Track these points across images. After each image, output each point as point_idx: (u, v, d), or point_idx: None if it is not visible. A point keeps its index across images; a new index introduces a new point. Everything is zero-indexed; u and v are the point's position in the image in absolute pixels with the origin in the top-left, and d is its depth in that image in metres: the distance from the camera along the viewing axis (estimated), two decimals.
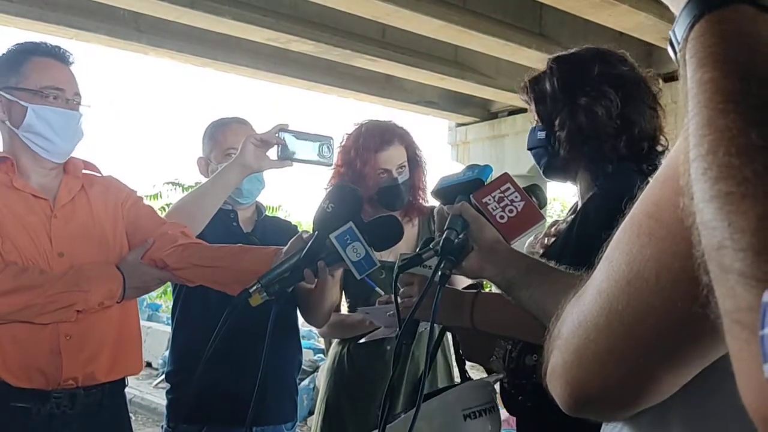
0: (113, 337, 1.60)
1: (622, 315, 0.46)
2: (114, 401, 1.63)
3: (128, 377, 1.71)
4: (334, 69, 5.99)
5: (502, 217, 1.07)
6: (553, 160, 1.30)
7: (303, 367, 2.21)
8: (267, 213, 2.19)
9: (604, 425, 0.64)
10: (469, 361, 1.32)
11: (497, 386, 1.27)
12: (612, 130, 1.23)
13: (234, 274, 1.55)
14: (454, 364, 1.64)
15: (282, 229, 2.13)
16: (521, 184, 1.12)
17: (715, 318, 0.34)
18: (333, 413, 2.02)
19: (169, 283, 1.97)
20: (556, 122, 1.26)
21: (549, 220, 1.49)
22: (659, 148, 1.28)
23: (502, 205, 1.07)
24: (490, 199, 1.08)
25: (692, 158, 0.36)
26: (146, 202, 1.84)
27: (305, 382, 5.81)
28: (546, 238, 1.39)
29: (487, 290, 1.24)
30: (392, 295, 1.84)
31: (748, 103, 0.35)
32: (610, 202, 1.16)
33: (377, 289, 1.85)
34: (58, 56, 1.59)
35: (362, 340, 1.91)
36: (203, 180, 2.00)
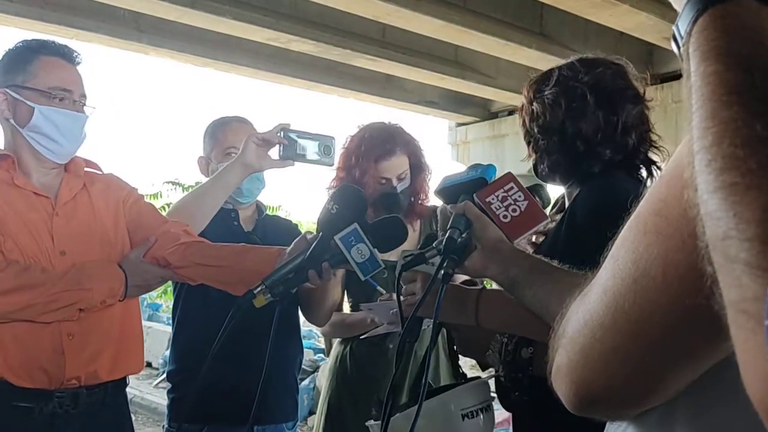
0: (115, 335, 1.60)
1: (628, 313, 0.46)
2: (116, 400, 1.63)
3: (129, 377, 1.71)
4: (335, 69, 5.99)
5: (505, 217, 1.07)
6: (542, 161, 1.34)
7: (303, 366, 2.21)
8: (267, 212, 2.19)
9: (608, 424, 0.64)
10: (465, 356, 1.32)
11: (492, 384, 1.28)
12: (600, 136, 1.26)
13: (237, 274, 1.55)
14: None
15: (283, 229, 2.14)
16: (522, 184, 1.12)
17: (720, 309, 0.34)
18: (335, 412, 2.02)
19: (169, 283, 1.97)
20: (545, 126, 1.32)
21: None
22: (642, 149, 1.30)
23: (505, 204, 1.08)
24: (493, 199, 1.08)
25: (696, 150, 0.36)
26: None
27: (306, 382, 5.81)
28: (534, 236, 1.40)
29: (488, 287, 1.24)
30: (394, 294, 1.85)
31: (751, 94, 0.35)
32: (597, 202, 1.17)
33: (379, 288, 1.85)
34: (66, 56, 1.58)
35: (364, 336, 1.92)
36: (204, 179, 2.00)
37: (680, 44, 0.43)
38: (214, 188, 1.80)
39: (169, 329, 2.26)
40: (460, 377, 1.39)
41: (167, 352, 2.50)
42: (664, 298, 0.44)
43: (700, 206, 0.35)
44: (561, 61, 1.36)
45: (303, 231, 2.13)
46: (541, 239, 1.36)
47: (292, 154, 1.70)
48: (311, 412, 5.56)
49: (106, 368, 1.57)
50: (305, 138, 1.70)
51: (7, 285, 1.43)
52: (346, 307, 2.14)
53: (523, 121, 1.34)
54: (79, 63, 1.60)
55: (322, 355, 6.49)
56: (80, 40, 4.79)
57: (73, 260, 1.53)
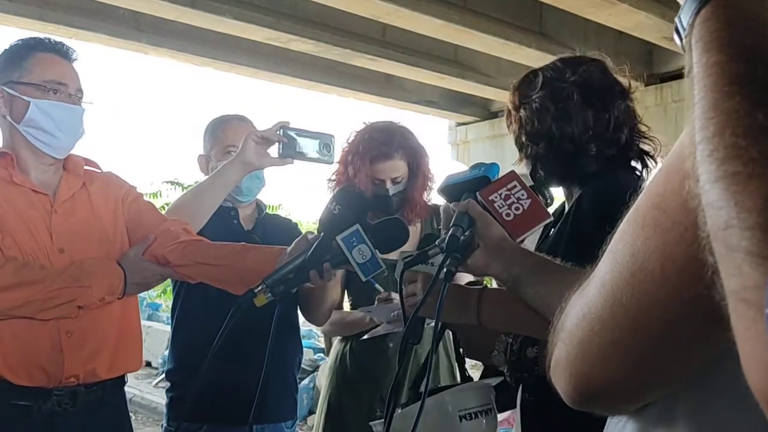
0: (114, 333, 1.60)
1: (626, 307, 0.46)
2: (114, 398, 1.63)
3: (128, 376, 1.71)
4: (335, 68, 5.98)
5: (508, 215, 1.07)
6: (536, 163, 1.35)
7: (303, 366, 2.22)
8: (267, 211, 2.19)
9: (608, 420, 0.64)
10: (470, 358, 1.32)
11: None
12: (590, 136, 1.27)
13: (237, 273, 1.55)
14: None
15: (283, 228, 2.14)
16: (525, 183, 1.12)
17: (720, 300, 0.34)
18: (335, 411, 2.02)
19: (169, 283, 1.97)
20: (536, 128, 1.32)
21: None
22: (635, 146, 1.31)
23: (508, 202, 1.07)
24: (496, 197, 1.08)
25: (698, 141, 0.36)
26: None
27: (305, 382, 5.81)
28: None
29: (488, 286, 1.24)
30: (392, 292, 1.85)
31: (754, 85, 0.35)
32: (601, 202, 1.17)
33: (377, 285, 1.85)
34: (61, 52, 1.59)
35: (365, 337, 1.92)
36: (203, 178, 2.00)
37: (683, 36, 0.42)
38: (213, 186, 1.80)
39: (169, 329, 2.25)
40: (466, 380, 1.38)
41: (167, 352, 2.50)
42: (662, 291, 0.44)
43: (702, 196, 0.35)
44: None
45: (303, 230, 2.13)
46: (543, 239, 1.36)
47: (291, 152, 1.70)
48: (311, 412, 5.56)
49: (105, 366, 1.57)
50: (304, 136, 1.70)
51: (5, 282, 1.43)
52: (347, 306, 2.14)
53: (513, 129, 1.36)
54: (75, 59, 1.61)
55: (322, 355, 6.49)
56: (80, 39, 4.79)
57: (72, 258, 1.53)
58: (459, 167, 7.54)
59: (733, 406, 0.46)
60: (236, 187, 1.94)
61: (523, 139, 1.32)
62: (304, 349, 2.29)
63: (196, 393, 1.64)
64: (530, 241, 1.12)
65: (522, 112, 1.31)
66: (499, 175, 1.13)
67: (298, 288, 1.42)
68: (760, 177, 0.32)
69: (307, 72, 5.98)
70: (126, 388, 1.72)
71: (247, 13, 4.72)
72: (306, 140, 1.69)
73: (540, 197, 1.10)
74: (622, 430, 0.59)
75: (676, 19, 0.43)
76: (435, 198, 2.15)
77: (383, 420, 1.23)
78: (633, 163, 1.31)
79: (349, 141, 2.02)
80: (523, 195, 1.08)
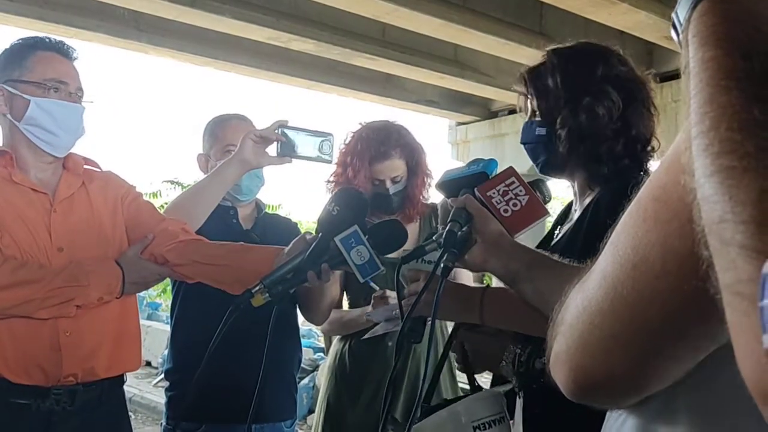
0: (113, 332, 1.60)
1: (626, 299, 0.46)
2: (113, 397, 1.63)
3: (127, 375, 1.71)
4: (335, 68, 5.98)
5: (506, 211, 1.06)
6: (551, 156, 1.29)
7: (303, 365, 2.21)
8: (266, 211, 2.18)
9: (608, 414, 0.63)
10: (478, 367, 1.31)
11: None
12: (611, 131, 1.22)
13: (235, 273, 1.55)
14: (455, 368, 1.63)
15: (282, 227, 2.13)
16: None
17: (715, 293, 0.33)
18: (334, 410, 2.02)
19: (168, 282, 1.97)
20: (558, 120, 1.25)
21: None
22: (650, 149, 1.27)
23: (506, 198, 1.07)
24: (494, 193, 1.08)
25: (694, 135, 0.35)
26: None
27: (305, 381, 5.81)
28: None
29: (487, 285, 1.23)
30: (387, 290, 1.85)
31: (750, 80, 0.35)
32: (616, 207, 1.15)
33: (372, 284, 1.86)
34: (62, 51, 1.59)
35: (365, 337, 1.92)
36: (202, 177, 2.00)
37: (679, 31, 0.42)
38: (211, 185, 1.80)
39: (168, 328, 2.25)
40: (476, 390, 1.37)
41: (166, 351, 2.49)
42: (663, 283, 0.43)
43: (697, 191, 0.35)
44: None
45: (302, 230, 2.13)
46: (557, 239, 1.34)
47: (290, 150, 1.70)
48: (311, 411, 5.55)
49: (103, 365, 1.57)
50: (303, 135, 1.69)
51: (4, 281, 1.43)
52: (345, 305, 2.14)
53: (530, 117, 1.30)
54: (75, 58, 1.61)
55: (321, 354, 6.49)
56: (80, 39, 4.78)
57: (71, 256, 1.53)
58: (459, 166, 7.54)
59: (733, 400, 0.46)
60: (236, 186, 1.94)
61: (558, 118, 1.24)
62: (304, 349, 2.29)
63: (194, 392, 1.64)
64: (526, 236, 1.11)
65: (539, 101, 1.26)
66: (498, 171, 1.12)
67: (297, 288, 1.42)
68: (755, 171, 0.32)
69: (307, 72, 5.97)
70: (125, 388, 1.72)
71: (247, 13, 4.71)
72: (305, 139, 1.69)
73: (538, 194, 1.10)
74: (623, 424, 0.59)
75: (673, 15, 0.43)
76: (434, 196, 2.15)
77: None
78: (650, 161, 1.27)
79: (346, 142, 2.02)
80: (521, 191, 1.07)
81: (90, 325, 1.54)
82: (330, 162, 1.77)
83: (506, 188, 1.08)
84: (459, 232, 1.02)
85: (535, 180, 1.16)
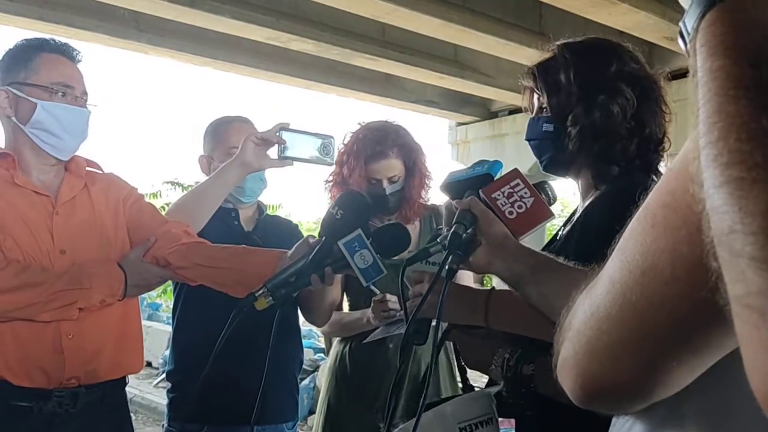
0: (115, 335, 1.60)
1: (635, 306, 0.46)
2: (115, 399, 1.63)
3: (128, 377, 1.71)
4: (334, 68, 5.98)
5: (511, 213, 1.06)
6: (558, 154, 1.27)
7: (304, 366, 2.21)
8: (267, 212, 2.19)
9: (614, 420, 0.63)
10: (470, 368, 1.31)
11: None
12: (625, 130, 1.20)
13: (237, 276, 1.55)
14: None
15: (283, 229, 2.14)
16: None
17: (724, 304, 0.33)
18: (334, 412, 2.02)
19: (169, 283, 1.97)
20: (570, 117, 1.23)
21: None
22: (662, 150, 1.25)
23: (511, 200, 1.06)
24: (499, 195, 1.07)
25: (702, 145, 0.35)
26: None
27: (306, 382, 5.81)
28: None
29: (488, 287, 1.23)
30: (387, 294, 1.85)
31: (759, 89, 0.34)
32: (616, 202, 1.15)
33: (372, 287, 1.86)
34: (67, 53, 1.59)
35: (366, 341, 1.92)
36: (204, 179, 2.00)
37: (687, 41, 0.42)
38: (213, 187, 1.80)
39: (169, 329, 2.26)
40: (467, 390, 1.37)
41: (167, 352, 2.50)
42: (672, 290, 0.43)
43: (706, 201, 0.35)
44: None
45: (303, 231, 2.13)
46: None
47: (291, 153, 1.70)
48: (311, 412, 5.55)
49: (106, 368, 1.57)
50: (304, 137, 1.69)
51: (7, 284, 1.43)
52: (346, 307, 2.14)
53: (536, 106, 1.28)
54: (79, 60, 1.61)
55: (322, 355, 6.49)
56: (80, 39, 4.78)
57: (73, 259, 1.53)
58: (459, 167, 7.54)
59: (740, 406, 0.46)
60: (239, 188, 1.94)
61: (569, 115, 1.22)
62: (305, 349, 2.29)
63: (198, 395, 1.64)
64: (531, 239, 1.11)
65: (552, 97, 1.24)
66: (502, 173, 1.12)
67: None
68: (764, 182, 0.31)
69: (307, 72, 5.97)
70: (126, 388, 1.72)
71: (247, 13, 4.71)
72: (305, 141, 1.69)
73: (543, 196, 1.09)
74: (629, 430, 0.59)
75: (681, 23, 0.43)
76: (433, 196, 2.16)
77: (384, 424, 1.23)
78: (660, 161, 1.26)
79: (345, 143, 2.02)
80: (526, 193, 1.07)
81: (92, 328, 1.54)
82: (331, 164, 1.77)
83: (511, 190, 1.07)
84: (464, 234, 1.01)
85: (540, 182, 1.15)
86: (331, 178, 2.06)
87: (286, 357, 1.97)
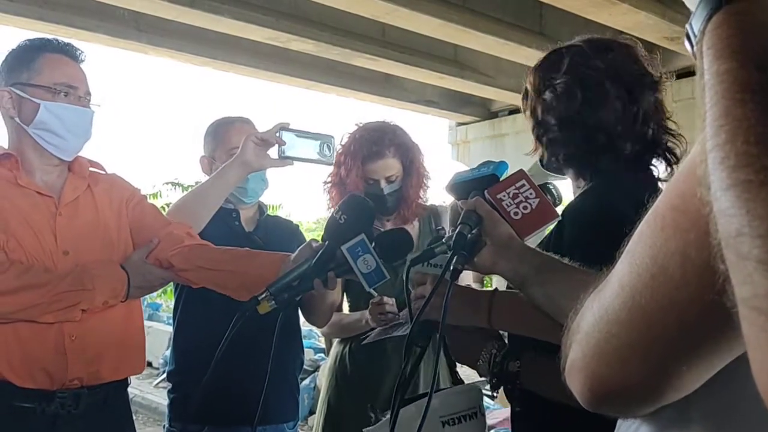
0: (117, 336, 1.59)
1: (645, 309, 0.46)
2: (117, 400, 1.63)
3: (130, 377, 1.71)
4: (334, 68, 5.98)
5: (516, 214, 1.06)
6: (551, 152, 1.28)
7: (304, 366, 2.21)
8: (268, 212, 2.19)
9: (619, 422, 0.63)
10: (457, 362, 1.32)
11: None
12: (614, 129, 1.19)
13: (240, 278, 1.55)
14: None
15: (284, 229, 2.14)
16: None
17: (732, 307, 0.34)
18: (334, 412, 2.02)
19: (170, 283, 1.97)
20: (557, 115, 1.23)
21: None
22: (656, 149, 1.23)
23: (516, 201, 1.06)
24: (504, 195, 1.07)
25: (710, 148, 0.35)
26: None
27: (306, 382, 5.81)
28: None
29: (487, 287, 1.23)
30: (384, 297, 1.85)
31: (765, 92, 0.35)
32: (590, 216, 1.14)
33: (370, 290, 1.85)
34: (70, 53, 1.59)
35: (365, 342, 1.92)
36: (205, 179, 2.00)
37: (693, 43, 0.42)
38: (214, 187, 1.80)
39: (170, 329, 2.26)
40: (458, 383, 1.38)
41: (167, 352, 2.50)
42: (682, 293, 0.43)
43: (713, 204, 0.35)
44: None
45: (303, 231, 2.13)
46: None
47: (291, 153, 1.70)
48: (312, 412, 5.55)
49: (108, 369, 1.57)
50: (304, 137, 1.69)
51: (9, 285, 1.43)
52: (345, 308, 2.14)
53: (533, 111, 1.27)
54: (82, 61, 1.61)
55: (322, 355, 6.49)
56: (80, 39, 4.77)
57: (76, 260, 1.53)
58: (459, 167, 7.54)
59: (748, 409, 0.46)
60: (241, 188, 1.94)
61: (552, 121, 1.23)
62: (305, 349, 2.29)
63: (201, 398, 1.64)
64: (534, 240, 1.11)
65: (547, 95, 1.23)
66: (508, 174, 1.12)
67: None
68: None
69: (307, 72, 5.97)
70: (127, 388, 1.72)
71: (247, 13, 4.71)
72: (306, 141, 1.69)
73: (548, 197, 1.09)
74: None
75: (687, 26, 0.43)
76: (433, 197, 2.16)
77: (376, 426, 1.23)
78: (655, 161, 1.24)
79: (343, 144, 2.03)
80: (531, 194, 1.07)
81: (95, 329, 1.54)
82: (331, 164, 1.77)
83: (516, 191, 1.07)
84: (469, 235, 1.01)
85: (545, 183, 1.15)
86: (329, 179, 2.06)
87: (286, 357, 1.97)
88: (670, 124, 1.25)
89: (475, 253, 1.03)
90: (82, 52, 1.61)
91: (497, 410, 4.77)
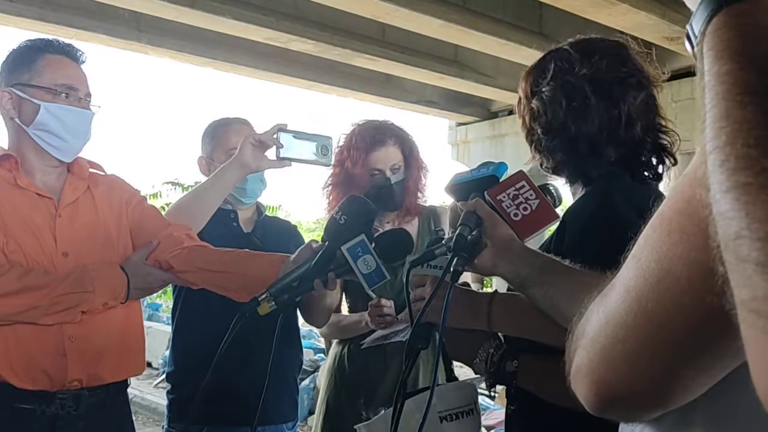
0: (117, 337, 1.59)
1: (651, 314, 0.45)
2: (117, 401, 1.63)
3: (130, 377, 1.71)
4: (334, 68, 5.98)
5: (516, 215, 1.06)
6: (547, 156, 1.27)
7: (303, 366, 2.21)
8: (267, 213, 2.18)
9: (621, 426, 0.63)
10: (456, 361, 1.32)
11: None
12: (606, 131, 1.18)
13: (240, 280, 1.55)
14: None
15: (282, 229, 2.14)
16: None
17: (730, 309, 0.34)
18: (333, 413, 2.02)
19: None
20: (549, 119, 1.23)
21: None
22: (651, 150, 1.23)
23: (516, 202, 1.06)
24: (504, 197, 1.07)
25: (709, 150, 0.35)
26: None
27: (306, 382, 5.81)
28: None
29: (487, 287, 1.23)
30: (382, 298, 1.85)
31: (766, 94, 0.35)
32: (589, 219, 1.14)
33: (369, 291, 1.85)
34: (71, 55, 1.58)
35: (364, 346, 1.91)
36: (203, 180, 2.00)
37: (694, 44, 0.42)
38: (212, 188, 1.80)
39: (169, 329, 2.25)
40: (452, 380, 1.38)
41: (167, 352, 2.50)
42: (688, 297, 0.43)
43: (713, 206, 0.35)
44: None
45: (302, 231, 2.13)
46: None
47: (289, 154, 1.70)
48: (311, 412, 5.55)
49: (109, 370, 1.57)
50: (302, 138, 1.69)
51: (10, 287, 1.42)
52: (345, 309, 2.14)
53: (523, 119, 1.27)
54: (83, 62, 1.61)
55: (322, 355, 6.49)
56: (80, 39, 4.78)
57: (76, 262, 1.53)
58: (459, 167, 7.54)
59: (750, 413, 0.45)
60: (240, 188, 1.94)
61: (538, 130, 1.23)
62: (304, 350, 2.29)
63: (202, 399, 1.64)
64: (534, 241, 1.11)
65: (534, 103, 1.23)
66: (508, 175, 1.12)
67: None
68: None
69: (307, 72, 5.97)
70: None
71: (247, 13, 4.71)
72: (304, 142, 1.69)
73: (548, 198, 1.09)
74: None
75: (688, 26, 0.43)
76: (432, 197, 2.16)
77: (368, 424, 1.23)
78: (645, 160, 1.23)
79: (340, 144, 2.03)
80: (531, 195, 1.06)
81: (95, 330, 1.53)
82: (329, 165, 1.77)
83: (516, 192, 1.07)
84: (469, 236, 1.01)
85: (545, 184, 1.15)
86: (330, 180, 2.06)
87: (286, 357, 1.97)
88: (664, 122, 1.24)
89: (476, 255, 1.02)
90: (82, 53, 1.61)
91: (497, 410, 4.76)
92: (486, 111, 7.32)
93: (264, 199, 2.17)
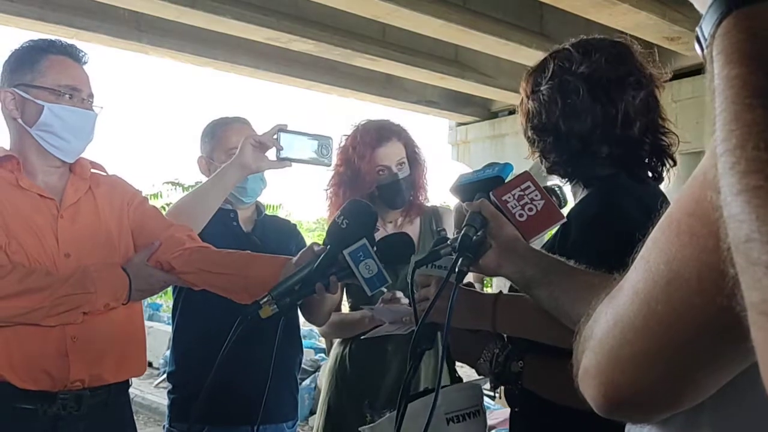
0: (119, 338, 1.59)
1: (660, 315, 0.45)
2: (119, 402, 1.63)
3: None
4: (335, 69, 5.98)
5: (521, 216, 1.05)
6: (546, 156, 1.28)
7: (304, 366, 2.21)
8: (266, 212, 2.19)
9: (628, 427, 0.63)
10: (459, 361, 1.32)
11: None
12: (604, 132, 1.18)
13: (241, 282, 1.55)
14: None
15: (282, 229, 2.14)
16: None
17: (741, 311, 0.34)
18: (334, 413, 2.02)
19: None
20: (548, 120, 1.24)
21: None
22: (649, 150, 1.22)
23: (521, 203, 1.06)
24: (509, 197, 1.06)
25: (720, 153, 0.35)
26: None
27: (306, 382, 5.81)
28: None
29: (487, 287, 1.23)
30: (396, 291, 1.85)
31: None
32: (593, 219, 1.14)
33: (371, 294, 1.85)
34: (74, 55, 1.58)
35: (364, 336, 1.91)
36: (203, 179, 2.00)
37: (704, 46, 0.42)
38: (213, 189, 1.80)
39: (170, 329, 2.26)
40: (455, 381, 1.38)
41: (168, 352, 2.50)
42: (698, 299, 0.43)
43: (724, 209, 0.35)
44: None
45: (302, 231, 2.13)
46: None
47: (289, 154, 1.70)
48: (312, 412, 5.55)
49: (110, 370, 1.57)
50: (302, 138, 1.69)
51: (11, 289, 1.42)
52: (345, 308, 2.14)
53: (523, 119, 1.29)
54: (85, 62, 1.61)
55: (323, 355, 6.49)
56: (80, 39, 4.78)
57: (78, 262, 1.53)
58: (459, 167, 7.54)
59: (758, 416, 0.45)
60: (241, 188, 1.94)
61: (529, 132, 1.25)
62: (305, 349, 2.29)
63: (203, 399, 1.64)
64: (539, 242, 1.11)
65: (530, 104, 1.24)
66: (513, 175, 1.12)
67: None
68: None
69: (307, 72, 5.98)
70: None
71: (247, 13, 4.72)
72: (304, 142, 1.69)
73: (554, 198, 1.09)
74: None
75: (698, 29, 0.43)
76: (432, 197, 2.16)
77: (373, 425, 1.22)
78: (644, 160, 1.23)
79: (342, 144, 2.03)
80: (536, 196, 1.06)
81: (97, 331, 1.53)
82: (329, 165, 1.77)
83: (522, 193, 1.06)
84: (474, 237, 1.00)
85: (551, 185, 1.15)
86: (335, 180, 2.05)
87: (286, 357, 1.97)
88: (663, 122, 1.24)
89: (480, 255, 1.02)
90: (85, 53, 1.61)
91: (497, 410, 4.76)
92: (486, 111, 7.32)
93: (264, 198, 2.17)
